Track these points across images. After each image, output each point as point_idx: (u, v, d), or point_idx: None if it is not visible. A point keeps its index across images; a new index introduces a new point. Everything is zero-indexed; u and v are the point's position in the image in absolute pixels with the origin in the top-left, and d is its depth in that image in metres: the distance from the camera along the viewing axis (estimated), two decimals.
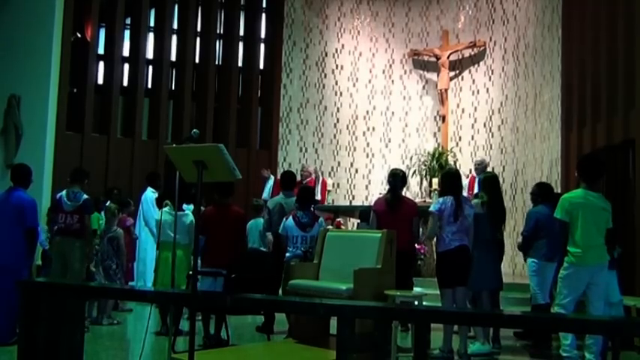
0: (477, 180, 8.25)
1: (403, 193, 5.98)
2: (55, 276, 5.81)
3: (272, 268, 5.59)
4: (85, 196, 5.86)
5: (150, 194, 8.14)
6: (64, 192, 5.92)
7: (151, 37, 10.83)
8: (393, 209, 5.58)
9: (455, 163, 11.24)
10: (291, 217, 5.74)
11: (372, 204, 6.02)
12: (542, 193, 5.66)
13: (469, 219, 5.03)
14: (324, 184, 10.33)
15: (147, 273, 7.66)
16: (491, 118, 11.21)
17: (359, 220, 8.74)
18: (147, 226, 8.00)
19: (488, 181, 5.55)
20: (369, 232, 5.57)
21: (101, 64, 10.48)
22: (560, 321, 2.75)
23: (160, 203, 6.28)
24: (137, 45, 10.50)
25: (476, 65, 11.58)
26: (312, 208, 5.88)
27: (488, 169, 8.72)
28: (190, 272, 4.40)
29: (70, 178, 6.03)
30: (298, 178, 8.68)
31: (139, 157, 10.18)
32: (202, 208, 5.83)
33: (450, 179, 5.21)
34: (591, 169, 4.43)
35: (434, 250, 8.67)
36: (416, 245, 7.20)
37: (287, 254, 5.66)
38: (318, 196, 9.47)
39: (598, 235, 4.32)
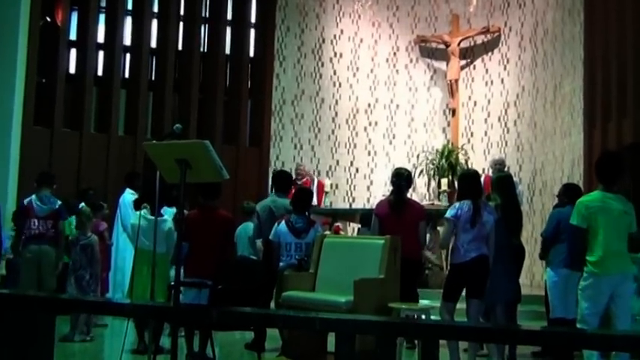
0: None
1: (409, 195, 5.99)
2: (27, 288, 5.79)
3: (263, 279, 5.58)
4: (59, 202, 5.86)
5: (128, 196, 8.11)
6: (33, 196, 5.91)
7: (128, 21, 10.82)
8: (397, 213, 5.58)
9: (466, 161, 11.26)
10: (283, 222, 5.73)
11: (374, 207, 6.02)
12: (569, 194, 5.67)
13: (487, 226, 5.03)
14: (320, 186, 10.31)
15: (125, 284, 7.63)
16: (506, 111, 11.23)
17: (359, 225, 8.73)
18: (125, 232, 7.98)
19: (502, 182, 5.55)
20: (371, 238, 5.57)
21: (73, 52, 10.45)
22: (582, 337, 2.75)
23: (138, 206, 6.27)
24: (113, 30, 10.48)
25: (489, 53, 11.60)
26: (307, 212, 5.88)
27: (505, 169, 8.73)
28: (171, 283, 4.39)
29: (37, 182, 6.01)
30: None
31: (115, 154, 10.17)
32: (186, 211, 5.83)
33: (468, 181, 5.21)
34: (609, 168, 4.41)
35: (443, 258, 8.73)
36: (423, 252, 7.20)
37: (280, 263, 5.66)
38: (314, 200, 9.45)
39: (619, 241, 4.31)
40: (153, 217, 5.53)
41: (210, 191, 5.49)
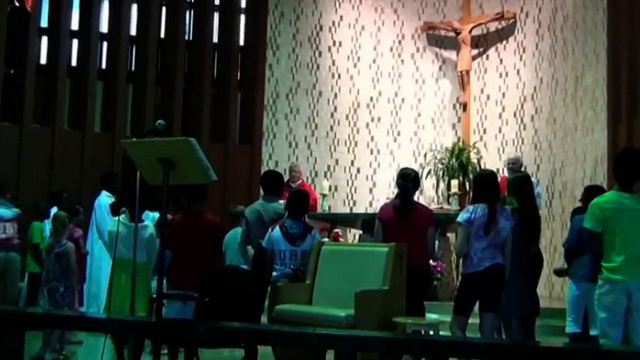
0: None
1: (415, 198, 5.98)
2: None
3: (254, 290, 5.58)
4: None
5: (105, 199, 8.11)
6: None
7: (105, 6, 10.81)
8: (403, 218, 5.58)
9: (478, 161, 11.27)
10: (277, 228, 5.73)
11: (378, 211, 6.02)
12: (591, 197, 5.66)
13: (503, 233, 5.02)
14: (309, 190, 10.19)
15: (101, 296, 7.62)
16: (522, 106, 11.24)
17: (361, 232, 8.72)
18: (101, 239, 7.97)
19: (519, 183, 5.56)
20: (374, 245, 5.56)
21: (44, 40, 10.44)
22: (605, 354, 2.75)
23: (116, 210, 6.26)
24: (88, 16, 10.47)
25: (504, 42, 11.61)
26: (303, 217, 5.87)
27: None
28: (153, 295, 4.38)
29: None
30: (285, 180, 8.67)
31: (90, 153, 10.15)
32: (169, 216, 5.81)
33: (484, 183, 5.21)
34: (627, 166, 4.41)
35: (453, 267, 8.73)
36: (431, 262, 7.20)
37: (274, 273, 5.66)
38: None
39: (638, 245, 4.29)
40: (132, 223, 5.53)
41: (195, 194, 5.49)
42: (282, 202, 6.11)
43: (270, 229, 5.79)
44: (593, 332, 5.26)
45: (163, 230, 4.64)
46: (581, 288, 5.34)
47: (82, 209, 7.66)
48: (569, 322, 5.40)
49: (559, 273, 6.03)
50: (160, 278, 3.81)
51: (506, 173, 9.11)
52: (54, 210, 7.00)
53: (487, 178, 5.29)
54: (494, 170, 10.38)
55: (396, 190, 5.96)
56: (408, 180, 5.70)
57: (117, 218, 5.92)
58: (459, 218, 5.12)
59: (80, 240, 7.40)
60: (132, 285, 5.00)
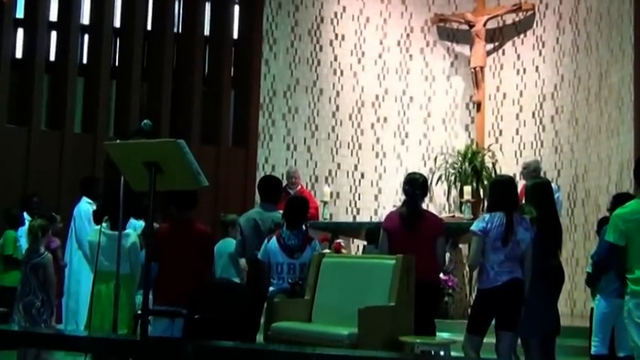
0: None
1: (424, 206, 5.99)
2: None
3: (248, 306, 5.58)
4: None
5: (85, 206, 8.11)
6: None
7: None
8: (410, 227, 5.59)
9: (493, 165, 11.27)
10: (274, 239, 5.73)
11: (383, 220, 6.02)
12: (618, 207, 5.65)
13: (522, 245, 5.03)
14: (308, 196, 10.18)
15: (80, 312, 7.63)
16: (541, 105, 11.25)
17: (365, 242, 8.72)
18: (80, 249, 7.96)
19: (539, 190, 5.56)
20: (379, 257, 5.56)
21: (20, 32, 10.45)
22: None
23: (98, 218, 6.27)
24: (68, 6, 10.49)
25: (522, 36, 11.63)
26: (303, 227, 5.88)
27: (541, 174, 8.72)
28: (138, 312, 4.38)
29: None
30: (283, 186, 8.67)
31: (69, 156, 10.15)
32: (156, 225, 5.81)
33: (501, 189, 5.23)
34: None
35: (465, 281, 8.72)
36: (441, 275, 7.20)
37: (270, 288, 5.65)
38: None
39: None
40: (113, 232, 5.53)
41: (184, 201, 5.50)
42: (281, 211, 6.12)
43: (266, 240, 5.80)
44: (620, 354, 5.25)
45: (150, 241, 4.65)
46: (612, 304, 5.34)
47: (59, 217, 7.66)
48: (595, 342, 5.39)
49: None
50: (145, 292, 3.81)
51: (523, 179, 9.09)
52: (26, 217, 6.99)
53: (505, 184, 5.30)
54: (512, 175, 10.43)
55: (402, 197, 5.96)
56: (415, 186, 5.71)
57: (98, 227, 5.93)
58: (474, 227, 5.11)
59: (58, 251, 7.40)
60: (114, 300, 5.00)
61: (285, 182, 9.43)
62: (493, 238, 5.00)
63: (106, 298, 5.63)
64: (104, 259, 5.72)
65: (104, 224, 5.94)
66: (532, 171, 8.45)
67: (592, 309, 6.08)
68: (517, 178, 10.01)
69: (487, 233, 5.02)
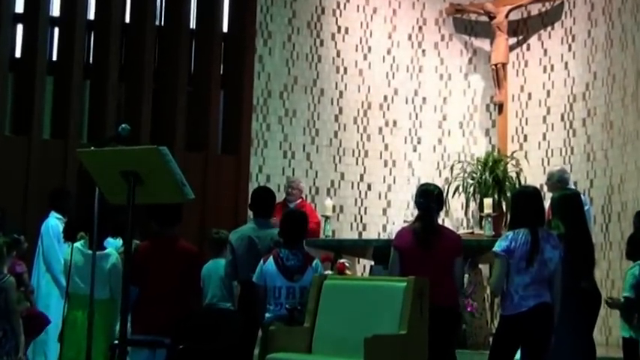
0: None
1: (440, 221, 5.99)
2: None
3: (241, 335, 5.58)
4: None
5: (54, 222, 8.12)
6: None
7: None
8: (424, 245, 5.61)
9: (518, 175, 11.27)
10: (271, 259, 5.75)
11: (393, 237, 6.03)
12: None
13: (550, 265, 5.04)
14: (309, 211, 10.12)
15: (49, 342, 7.63)
16: (571, 107, 11.26)
17: (372, 262, 8.71)
18: (49, 272, 7.96)
19: (565, 203, 5.58)
20: (389, 279, 5.56)
21: None
22: None
23: (70, 236, 6.28)
24: None
25: (549, 28, 11.65)
26: (302, 245, 5.89)
27: (569, 185, 8.72)
28: (115, 342, 4.40)
29: None
30: (280, 198, 8.69)
31: (37, 164, 10.15)
32: (137, 242, 5.83)
33: (524, 202, 5.25)
34: None
35: (486, 306, 8.71)
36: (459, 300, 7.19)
37: (266, 314, 5.66)
38: None
39: None
40: (91, 251, 5.53)
41: (167, 216, 5.52)
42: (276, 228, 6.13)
43: (262, 261, 5.81)
44: None
45: (128, 261, 4.66)
46: None
47: (23, 237, 7.65)
48: None
49: (615, 306, 6.02)
50: (123, 319, 3.82)
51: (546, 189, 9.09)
52: None
53: (529, 195, 5.31)
54: (537, 186, 10.43)
55: (415, 212, 5.97)
56: (430, 198, 5.73)
57: (75, 245, 5.93)
58: (496, 247, 5.13)
59: (25, 276, 7.40)
60: (88, 327, 5.00)
61: (283, 195, 9.42)
62: (517, 259, 5.01)
63: (82, 327, 5.63)
64: (80, 281, 5.73)
65: (81, 242, 5.96)
66: (557, 181, 8.44)
67: (623, 339, 6.09)
68: (545, 188, 10.03)
69: (511, 253, 5.03)
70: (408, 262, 5.59)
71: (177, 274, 5.43)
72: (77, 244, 6.05)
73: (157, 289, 5.35)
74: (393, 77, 12.10)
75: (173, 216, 5.55)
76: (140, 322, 5.31)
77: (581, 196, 6.24)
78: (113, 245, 6.33)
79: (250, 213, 6.85)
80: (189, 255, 5.60)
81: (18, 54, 10.60)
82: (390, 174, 11.97)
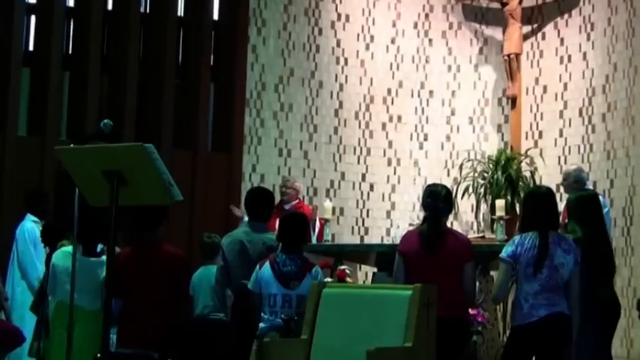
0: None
1: (449, 224, 6.00)
2: None
3: (234, 347, 5.59)
4: None
5: (30, 226, 8.14)
6: None
7: None
8: (431, 250, 5.61)
9: (532, 174, 11.28)
10: (268, 265, 5.76)
11: (398, 242, 6.04)
12: None
13: (563, 271, 5.05)
14: (321, 226, 10.07)
15: (24, 356, 7.63)
16: (590, 101, 11.27)
17: (376, 269, 8.72)
18: (24, 279, 7.96)
19: (581, 204, 5.59)
20: (393, 287, 5.57)
21: None
22: None
23: (49, 241, 6.28)
24: None
25: (565, 16, 11.66)
26: (300, 250, 5.90)
27: (587, 185, 8.74)
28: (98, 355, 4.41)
29: None
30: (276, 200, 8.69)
31: (12, 163, 10.14)
32: (117, 249, 5.82)
33: (535, 203, 5.25)
34: None
35: (499, 316, 8.72)
36: (470, 310, 7.20)
37: (261, 324, 5.67)
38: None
39: None
40: (86, 258, 5.54)
41: (147, 218, 5.50)
42: (274, 232, 6.13)
43: (257, 267, 5.82)
44: None
45: (111, 269, 4.65)
46: None
47: None
48: None
49: None
50: (105, 332, 3.83)
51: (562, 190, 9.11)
52: None
53: (539, 197, 5.32)
54: (554, 187, 10.44)
55: (422, 214, 5.97)
56: (438, 199, 5.73)
57: (62, 250, 5.90)
58: (502, 252, 5.15)
59: None
60: (68, 340, 5.01)
61: (278, 196, 9.42)
62: (524, 265, 5.02)
63: (75, 341, 5.63)
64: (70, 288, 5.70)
65: (70, 247, 5.92)
66: (573, 182, 8.44)
67: None
68: (561, 189, 10.04)
69: (517, 259, 5.05)
70: (413, 269, 5.61)
71: (162, 282, 5.43)
72: (66, 249, 6.00)
73: (141, 300, 5.34)
74: (398, 69, 12.11)
75: (153, 218, 5.53)
76: (125, 336, 5.32)
77: (600, 197, 6.25)
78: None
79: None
80: (175, 260, 5.58)
81: None
82: (395, 173, 11.99)
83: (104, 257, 5.88)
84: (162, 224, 5.65)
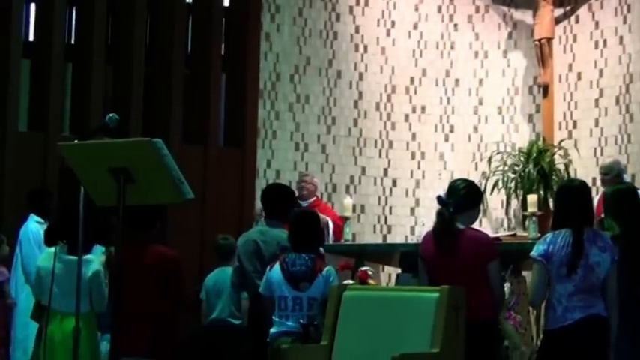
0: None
1: (478, 222, 5.97)
2: None
3: (250, 354, 5.62)
4: None
5: (34, 227, 8.19)
6: None
7: None
8: (444, 250, 5.55)
9: (566, 167, 11.25)
10: (277, 266, 5.78)
11: (420, 242, 6.04)
12: None
13: (599, 270, 5.05)
14: (337, 227, 10.03)
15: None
16: (627, 88, 11.23)
17: (399, 270, 8.73)
18: (28, 282, 8.02)
19: (622, 200, 5.58)
20: (418, 289, 5.58)
21: None
22: None
23: (52, 239, 6.32)
24: None
25: None
26: (314, 249, 5.91)
27: (624, 179, 8.72)
28: None
29: None
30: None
31: (13, 160, 10.20)
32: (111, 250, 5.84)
33: (568, 198, 5.26)
34: None
35: (532, 319, 8.72)
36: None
37: (271, 329, 5.70)
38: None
39: None
40: (71, 257, 5.57)
41: (139, 219, 5.50)
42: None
43: (268, 268, 5.85)
44: None
45: (116, 270, 4.68)
46: None
47: (5, 238, 7.71)
48: None
49: None
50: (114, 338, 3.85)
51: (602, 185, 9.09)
52: None
53: (572, 191, 5.32)
54: (590, 181, 10.39)
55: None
56: (454, 194, 5.66)
57: (51, 250, 5.94)
58: (533, 251, 5.15)
59: (5, 285, 7.47)
60: (74, 346, 5.03)
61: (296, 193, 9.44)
62: (557, 264, 5.02)
63: (60, 346, 5.67)
64: (60, 292, 5.74)
65: (58, 248, 5.96)
66: (615, 176, 8.43)
67: None
68: (597, 183, 10.02)
69: (549, 258, 5.05)
70: (433, 271, 5.58)
71: (149, 285, 5.44)
72: (53, 250, 6.02)
73: (132, 304, 5.32)
74: (421, 56, 12.11)
75: (147, 219, 5.55)
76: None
77: (639, 191, 6.23)
78: (100, 252, 6.35)
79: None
80: (164, 260, 5.57)
81: None
82: (419, 168, 11.98)
83: (88, 256, 5.90)
84: (155, 226, 5.65)
